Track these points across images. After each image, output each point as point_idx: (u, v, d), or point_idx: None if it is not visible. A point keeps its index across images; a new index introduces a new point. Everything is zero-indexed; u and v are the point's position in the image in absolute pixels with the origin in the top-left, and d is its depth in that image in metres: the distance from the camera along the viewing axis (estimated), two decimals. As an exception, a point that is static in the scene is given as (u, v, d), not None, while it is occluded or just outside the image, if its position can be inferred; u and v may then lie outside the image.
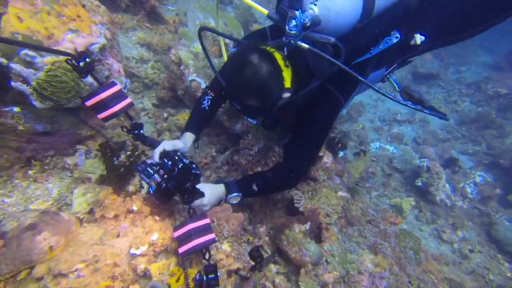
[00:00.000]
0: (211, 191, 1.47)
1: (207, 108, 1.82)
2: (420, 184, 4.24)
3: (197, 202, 1.40)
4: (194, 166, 1.53)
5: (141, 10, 4.18)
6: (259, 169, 1.98)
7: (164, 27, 4.35)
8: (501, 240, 4.07)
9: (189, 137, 1.73)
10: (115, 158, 1.85)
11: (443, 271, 2.87)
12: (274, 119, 1.81)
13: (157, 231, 1.63)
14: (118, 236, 1.64)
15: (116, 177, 1.84)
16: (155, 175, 1.35)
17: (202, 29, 1.51)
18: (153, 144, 1.65)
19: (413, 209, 4.12)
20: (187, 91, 2.75)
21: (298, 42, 1.29)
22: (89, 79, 2.08)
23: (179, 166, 1.49)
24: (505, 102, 6.42)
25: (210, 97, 1.83)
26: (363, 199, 3.40)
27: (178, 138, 1.99)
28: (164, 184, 1.34)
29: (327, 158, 2.31)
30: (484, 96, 6.75)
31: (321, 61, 1.41)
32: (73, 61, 1.36)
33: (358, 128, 5.70)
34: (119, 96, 1.47)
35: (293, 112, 1.68)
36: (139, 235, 1.63)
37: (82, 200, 1.77)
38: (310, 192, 2.13)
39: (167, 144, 1.53)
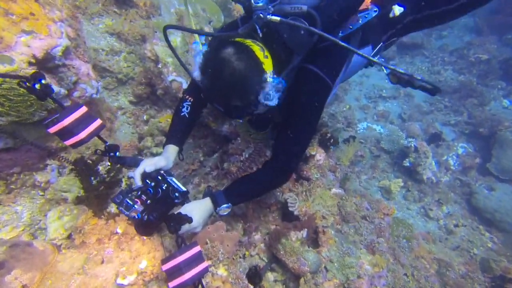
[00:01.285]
0: (198, 210, 1.35)
1: (187, 115, 1.64)
2: (408, 164, 4.30)
3: (185, 227, 1.28)
4: (177, 187, 1.39)
5: (106, -8, 3.71)
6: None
7: (134, 12, 3.92)
8: (480, 208, 4.28)
9: (171, 150, 1.56)
10: (92, 178, 1.67)
11: (432, 251, 2.99)
12: (263, 117, 1.65)
13: (145, 256, 1.52)
14: (102, 262, 1.51)
15: (96, 198, 1.68)
16: (135, 206, 1.21)
17: (167, 28, 1.35)
18: (134, 163, 1.48)
19: (401, 189, 4.22)
20: (168, 91, 2.52)
21: (268, 15, 1.18)
22: (55, 88, 1.84)
23: (163, 188, 1.35)
24: (485, 68, 6.48)
25: (189, 103, 1.65)
26: (356, 192, 3.41)
27: (161, 142, 1.81)
28: (146, 217, 1.21)
29: (319, 155, 2.23)
30: (466, 63, 6.79)
31: (297, 34, 1.30)
32: (27, 84, 1.13)
33: (345, 109, 5.63)
34: (86, 120, 1.27)
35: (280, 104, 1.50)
36: (125, 260, 1.51)
37: (58, 225, 1.61)
38: (304, 193, 2.07)
39: (148, 165, 1.37)
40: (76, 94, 2.03)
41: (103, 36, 3.44)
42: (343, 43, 1.20)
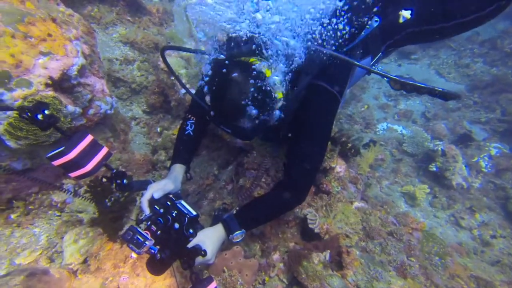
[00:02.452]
0: (211, 240, 1.27)
1: (191, 133, 1.58)
2: (434, 169, 4.02)
3: (199, 260, 1.19)
4: (187, 212, 1.31)
5: (120, 0, 3.74)
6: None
7: (147, 19, 3.94)
8: None
9: (178, 169, 1.50)
10: (107, 200, 1.63)
11: (468, 268, 2.74)
12: (272, 132, 1.57)
13: (161, 282, 1.46)
14: (117, 289, 1.46)
15: (110, 221, 1.63)
16: (146, 243, 1.13)
17: (165, 49, 1.32)
18: (141, 187, 1.41)
19: (427, 195, 3.95)
20: (181, 102, 2.46)
21: (278, 37, 1.15)
22: (70, 107, 1.82)
23: (173, 215, 1.27)
24: None
25: (193, 122, 1.61)
26: (377, 198, 3.21)
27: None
28: (159, 256, 1.13)
29: (340, 167, 2.08)
30: (500, 55, 6.26)
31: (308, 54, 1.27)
32: (29, 114, 1.08)
33: (363, 109, 5.38)
34: (92, 150, 1.21)
35: (289, 118, 1.42)
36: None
37: (74, 249, 1.58)
38: (324, 208, 1.93)
39: (156, 191, 1.30)
40: (91, 112, 2.01)
41: (117, 46, 3.46)
42: (359, 63, 1.19)
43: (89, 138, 1.25)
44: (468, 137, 4.77)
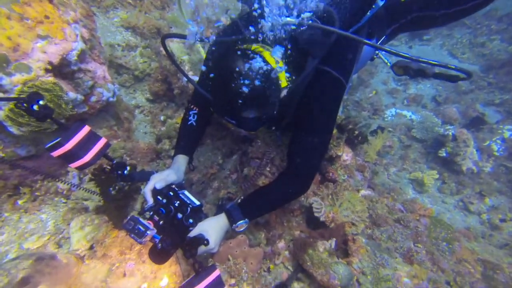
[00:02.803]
0: (214, 229, 1.26)
1: (194, 124, 1.55)
2: (444, 154, 3.93)
3: (202, 249, 1.20)
4: (190, 201, 1.30)
5: (119, -17, 3.61)
6: (273, 182, 1.73)
7: (148, 3, 3.81)
8: None
9: (181, 160, 1.48)
10: (111, 188, 1.63)
11: (476, 251, 2.71)
12: (277, 120, 1.54)
13: (167, 269, 1.48)
14: (124, 275, 1.49)
15: (115, 209, 1.64)
16: (148, 232, 1.13)
17: (165, 37, 1.27)
18: (144, 178, 1.41)
19: (436, 181, 3.88)
20: (184, 90, 2.41)
21: (283, 17, 1.08)
22: (71, 94, 1.79)
23: (176, 205, 1.27)
24: None
25: (195, 112, 1.56)
26: (384, 185, 3.17)
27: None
28: (160, 245, 1.13)
29: (346, 155, 2.04)
30: None
31: (314, 35, 1.21)
32: (25, 105, 1.06)
33: (371, 95, 5.24)
34: (90, 140, 1.19)
35: (294, 105, 1.37)
36: (147, 274, 1.47)
37: (81, 236, 1.61)
38: (330, 197, 1.90)
39: (158, 181, 1.29)
40: (93, 99, 1.99)
41: (119, 31, 3.38)
42: (370, 42, 1.12)
43: (86, 129, 1.23)
44: (481, 120, 4.62)
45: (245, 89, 1.07)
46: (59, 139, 1.12)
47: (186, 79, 2.25)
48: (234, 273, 1.28)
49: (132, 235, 1.12)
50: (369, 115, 4.81)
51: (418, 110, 5.09)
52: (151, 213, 1.26)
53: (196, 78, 2.33)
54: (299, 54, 1.23)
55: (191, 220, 1.17)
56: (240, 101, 1.09)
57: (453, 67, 1.20)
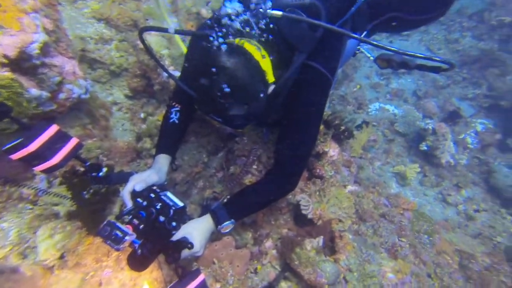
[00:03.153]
0: (199, 231, 1.20)
1: (177, 121, 1.47)
2: (425, 148, 4.04)
3: (186, 253, 1.13)
4: (173, 203, 1.23)
5: (90, -29, 3.37)
6: (259, 180, 1.68)
7: (123, -7, 3.60)
8: (499, 188, 4.06)
9: (163, 160, 1.40)
10: (85, 192, 1.51)
11: (454, 242, 2.83)
12: (264, 116, 1.50)
13: (147, 275, 1.39)
14: (100, 285, 1.39)
15: (90, 214, 1.53)
16: (127, 237, 1.04)
17: (143, 30, 1.19)
18: (122, 179, 1.31)
19: (417, 174, 3.99)
20: (165, 86, 2.29)
21: (268, 10, 1.06)
22: (34, 91, 1.64)
23: (157, 208, 1.19)
24: (508, 32, 5.91)
25: (177, 109, 1.48)
26: (369, 180, 3.21)
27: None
28: (140, 251, 1.05)
29: (333, 150, 2.02)
30: (487, 28, 6.22)
31: (300, 29, 1.19)
32: None
33: (355, 89, 5.30)
34: (59, 141, 1.08)
35: (281, 101, 1.34)
36: (125, 282, 1.39)
37: (50, 244, 1.48)
38: (318, 193, 1.88)
39: (138, 183, 1.20)
40: (62, 96, 1.83)
41: (90, 22, 3.15)
42: (362, 37, 1.12)
43: (53, 128, 1.12)
44: (457, 114, 4.81)
45: (230, 86, 1.01)
46: (20, 140, 1.00)
47: (166, 75, 2.14)
48: (220, 277, 1.22)
49: (108, 242, 1.04)
50: (354, 110, 4.86)
51: (400, 104, 5.21)
52: (130, 216, 1.18)
53: (177, 74, 2.23)
54: (285, 48, 1.19)
55: (174, 223, 1.10)
56: (226, 99, 1.04)
57: (438, 59, 1.23)
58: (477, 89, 5.47)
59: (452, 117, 4.81)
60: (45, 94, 1.66)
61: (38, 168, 1.02)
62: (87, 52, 2.93)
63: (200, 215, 1.33)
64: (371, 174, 3.81)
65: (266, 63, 1.12)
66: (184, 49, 2.18)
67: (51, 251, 1.43)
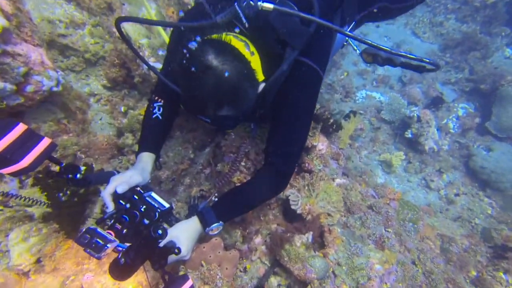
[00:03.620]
0: (186, 235, 1.16)
1: (160, 117, 1.38)
2: (409, 135, 4.11)
3: (173, 258, 1.09)
4: (158, 205, 1.17)
5: None
6: (249, 177, 1.63)
7: (96, -28, 3.31)
8: (477, 171, 4.23)
9: (146, 159, 1.31)
10: (61, 194, 1.41)
11: (435, 227, 2.94)
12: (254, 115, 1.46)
13: (131, 280, 1.34)
14: (83, 291, 1.33)
15: (68, 216, 1.44)
16: (108, 245, 0.97)
17: (119, 21, 1.08)
18: (102, 179, 1.22)
19: (402, 162, 4.09)
20: (146, 78, 2.15)
21: (259, 2, 0.99)
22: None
23: (141, 210, 1.12)
24: (490, 14, 6.01)
25: (161, 104, 1.39)
26: (356, 169, 3.25)
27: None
28: (122, 260, 0.99)
29: (321, 144, 1.99)
30: (470, 9, 6.29)
31: (293, 24, 1.14)
32: None
33: (342, 77, 5.26)
34: (28, 141, 0.97)
35: (271, 98, 1.29)
36: (109, 286, 1.33)
37: (24, 248, 1.39)
38: (307, 188, 1.86)
39: (120, 184, 1.12)
40: (29, 89, 1.68)
41: (58, 3, 2.88)
42: (358, 36, 1.07)
43: (20, 128, 1.00)
44: (440, 100, 4.89)
45: (219, 87, 0.94)
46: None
47: (147, 68, 2.00)
48: (208, 279, 1.19)
49: (88, 250, 0.96)
50: (342, 98, 4.84)
51: (386, 91, 5.24)
52: (112, 221, 1.11)
53: (158, 66, 2.09)
54: (275, 43, 1.12)
55: (159, 232, 1.04)
56: (214, 99, 0.97)
57: (427, 60, 1.25)
58: (460, 73, 5.57)
59: (435, 103, 4.89)
60: (9, 86, 1.51)
61: (5, 171, 0.92)
62: (56, 37, 2.70)
63: (187, 215, 1.29)
64: (358, 163, 3.87)
65: (255, 60, 1.06)
66: (166, 38, 2.03)
67: (25, 255, 1.34)
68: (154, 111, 1.39)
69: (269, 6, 0.98)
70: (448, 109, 4.95)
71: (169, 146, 1.96)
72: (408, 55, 1.19)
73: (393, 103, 4.64)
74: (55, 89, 1.79)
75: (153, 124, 1.40)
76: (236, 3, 0.98)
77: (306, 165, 1.92)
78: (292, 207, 1.76)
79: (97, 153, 2.01)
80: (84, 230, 0.98)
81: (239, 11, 0.98)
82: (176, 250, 1.06)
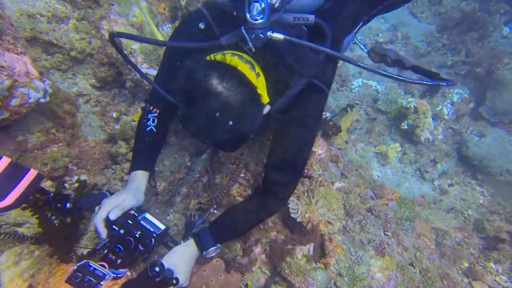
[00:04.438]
0: (182, 262, 1.14)
1: (154, 129, 1.31)
2: (406, 127, 4.10)
3: None
4: (153, 229, 1.16)
5: None
6: (249, 191, 1.59)
7: (76, -42, 3.05)
8: (469, 157, 4.28)
9: (140, 178, 1.26)
10: (53, 218, 1.36)
11: (430, 220, 3.00)
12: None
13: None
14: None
15: (61, 237, 1.39)
16: (102, 282, 0.95)
17: (114, 36, 1.02)
18: (93, 203, 1.18)
19: (398, 153, 4.10)
20: (139, 83, 2.03)
21: (269, 33, 0.93)
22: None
23: (136, 237, 1.10)
24: None
25: (155, 115, 1.31)
26: (352, 162, 3.24)
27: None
28: None
29: (321, 149, 1.95)
30: None
31: (303, 53, 1.11)
32: None
33: (339, 64, 5.13)
34: (12, 176, 0.90)
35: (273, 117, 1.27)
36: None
37: (15, 273, 1.34)
38: (306, 194, 1.85)
39: (113, 210, 1.07)
40: (14, 102, 1.57)
41: (38, -5, 2.66)
42: (366, 66, 1.03)
43: (4, 161, 0.93)
44: (436, 86, 4.84)
45: (222, 112, 0.89)
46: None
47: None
48: (211, 304, 1.19)
49: None
50: (338, 87, 4.76)
51: (382, 79, 5.16)
52: (105, 251, 1.08)
53: (153, 72, 1.97)
54: (283, 69, 1.08)
55: (156, 269, 1.01)
56: (216, 125, 0.92)
57: (445, 84, 1.24)
58: (456, 56, 5.48)
59: (432, 89, 4.84)
60: (-10, 104, 1.41)
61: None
62: (38, 34, 2.52)
63: (185, 233, 1.28)
64: (354, 156, 3.86)
65: (261, 83, 1.02)
66: (160, 37, 1.91)
67: (17, 280, 1.31)
68: (148, 123, 1.33)
69: (280, 36, 0.93)
70: (444, 95, 4.91)
71: (164, 154, 1.90)
72: (425, 83, 1.19)
73: (389, 93, 4.58)
74: (42, 100, 1.68)
75: (146, 139, 1.33)
76: (243, 28, 0.91)
77: (306, 171, 1.89)
78: (292, 215, 1.75)
79: (90, 164, 1.94)
80: (75, 268, 0.95)
81: (246, 35, 0.92)
82: (174, 281, 1.04)
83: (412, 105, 4.06)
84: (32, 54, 2.57)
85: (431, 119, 4.29)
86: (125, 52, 1.97)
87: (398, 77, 1.05)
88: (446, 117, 4.77)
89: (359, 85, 5.02)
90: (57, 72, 2.67)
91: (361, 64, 1.02)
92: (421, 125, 4.02)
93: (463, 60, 5.33)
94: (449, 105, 4.91)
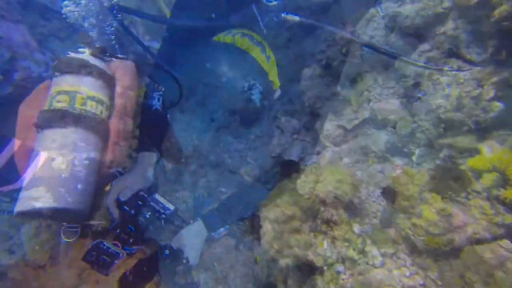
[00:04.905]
0: (192, 243, 1.24)
1: (159, 108, 1.28)
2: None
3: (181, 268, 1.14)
4: (163, 209, 1.21)
5: None
6: (257, 171, 1.59)
7: None
8: None
9: (149, 159, 1.27)
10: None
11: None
12: None
13: None
14: (97, 283, 1.41)
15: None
16: (116, 261, 1.02)
17: (117, 11, 1.07)
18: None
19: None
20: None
21: (283, 14, 1.01)
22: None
23: (146, 217, 1.16)
24: None
25: (160, 93, 1.32)
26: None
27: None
28: (131, 277, 1.04)
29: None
30: None
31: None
32: None
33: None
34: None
35: None
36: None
37: (36, 243, 1.41)
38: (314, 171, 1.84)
39: (123, 191, 1.11)
40: (17, 76, 1.52)
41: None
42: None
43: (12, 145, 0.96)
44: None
45: (231, 100, 0.88)
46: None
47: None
48: (221, 280, 1.26)
49: (96, 267, 1.02)
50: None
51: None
52: (117, 231, 1.14)
53: (156, 44, 1.86)
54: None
55: (167, 252, 1.07)
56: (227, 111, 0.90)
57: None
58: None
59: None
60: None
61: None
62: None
63: (193, 213, 1.34)
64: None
65: (272, 67, 0.98)
66: (163, 6, 1.77)
67: (39, 250, 1.39)
68: (153, 102, 1.31)
69: (295, 18, 0.88)
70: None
71: (171, 132, 1.88)
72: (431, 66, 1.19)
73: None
74: (45, 74, 1.63)
75: (152, 119, 1.31)
76: (254, 7, 0.86)
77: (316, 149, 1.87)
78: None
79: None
80: (90, 246, 1.01)
81: (258, 17, 0.87)
82: (184, 261, 1.11)
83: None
84: (29, 20, 2.44)
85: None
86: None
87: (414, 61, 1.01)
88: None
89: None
90: (56, 40, 2.56)
91: (383, 50, 0.96)
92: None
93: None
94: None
